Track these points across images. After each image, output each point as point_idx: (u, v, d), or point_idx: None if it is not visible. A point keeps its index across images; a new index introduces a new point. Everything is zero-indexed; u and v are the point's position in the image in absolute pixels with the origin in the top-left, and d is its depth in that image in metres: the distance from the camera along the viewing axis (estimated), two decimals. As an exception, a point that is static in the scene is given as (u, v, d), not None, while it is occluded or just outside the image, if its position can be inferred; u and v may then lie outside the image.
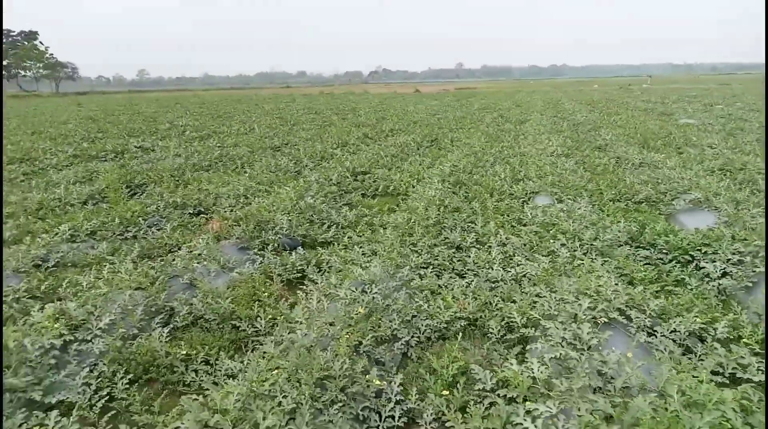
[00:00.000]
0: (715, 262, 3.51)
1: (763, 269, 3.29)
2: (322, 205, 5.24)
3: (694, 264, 3.63)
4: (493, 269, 3.53)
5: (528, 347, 2.58)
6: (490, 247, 4.00)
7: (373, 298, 2.98)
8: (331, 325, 2.60)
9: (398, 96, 37.80)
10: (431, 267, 3.68)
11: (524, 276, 3.43)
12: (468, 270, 3.67)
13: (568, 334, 2.48)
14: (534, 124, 13.43)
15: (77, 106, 28.49)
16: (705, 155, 7.84)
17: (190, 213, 5.46)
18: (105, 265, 3.80)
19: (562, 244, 3.99)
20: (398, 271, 3.45)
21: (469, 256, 3.81)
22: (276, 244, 4.26)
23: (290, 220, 4.66)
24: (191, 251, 4.01)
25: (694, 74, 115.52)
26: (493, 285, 3.38)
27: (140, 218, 5.07)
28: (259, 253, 4.12)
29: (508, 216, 4.95)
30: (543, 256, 3.76)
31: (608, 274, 3.30)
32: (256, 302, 3.17)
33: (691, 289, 3.26)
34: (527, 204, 5.37)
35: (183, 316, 3.06)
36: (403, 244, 4.06)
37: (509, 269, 3.53)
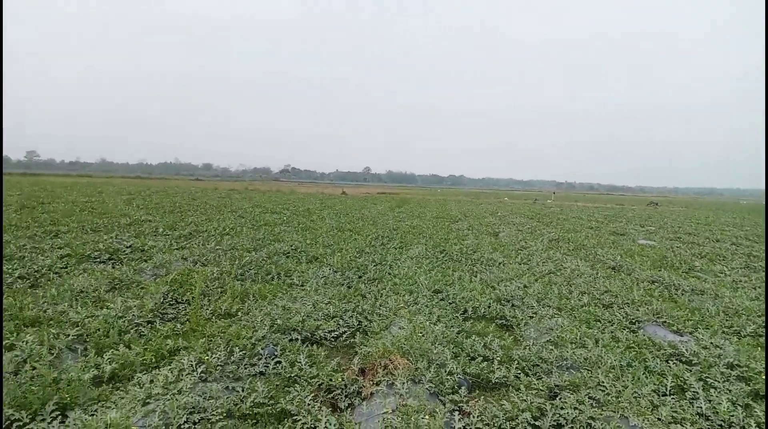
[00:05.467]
0: None
1: None
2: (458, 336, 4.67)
3: None
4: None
5: None
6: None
7: None
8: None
9: (335, 197, 38.21)
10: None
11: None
12: None
13: None
14: (515, 238, 14.00)
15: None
16: (729, 282, 8.11)
17: (300, 339, 4.57)
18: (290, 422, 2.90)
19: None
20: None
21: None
22: (454, 385, 3.60)
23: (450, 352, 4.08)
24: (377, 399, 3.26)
25: (578, 192, 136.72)
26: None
27: (259, 348, 4.10)
28: (453, 399, 3.37)
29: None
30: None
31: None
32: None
33: None
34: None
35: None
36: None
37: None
